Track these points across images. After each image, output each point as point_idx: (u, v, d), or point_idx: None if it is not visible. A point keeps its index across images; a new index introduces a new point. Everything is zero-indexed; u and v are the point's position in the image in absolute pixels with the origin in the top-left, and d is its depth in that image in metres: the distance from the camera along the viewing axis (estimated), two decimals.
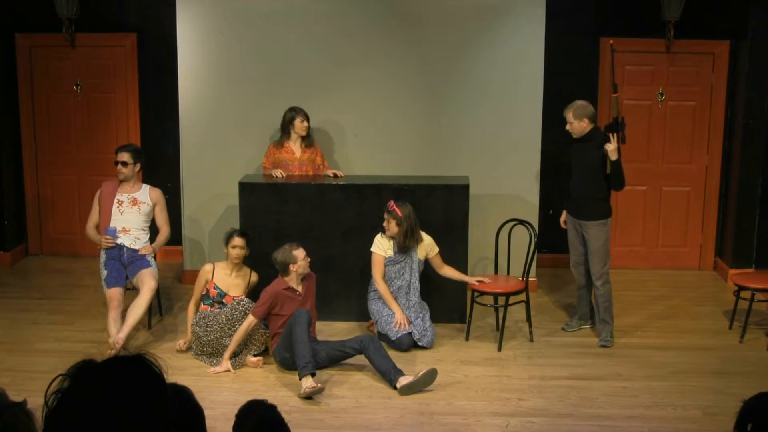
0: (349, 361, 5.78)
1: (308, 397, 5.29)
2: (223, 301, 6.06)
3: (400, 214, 6.16)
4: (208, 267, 6.19)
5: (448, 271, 6.43)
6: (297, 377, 5.41)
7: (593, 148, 6.21)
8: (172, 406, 1.52)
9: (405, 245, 6.22)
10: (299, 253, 5.88)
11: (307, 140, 7.03)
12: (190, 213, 7.61)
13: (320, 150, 7.16)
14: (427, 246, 6.35)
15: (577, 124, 6.22)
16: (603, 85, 7.94)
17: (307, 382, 5.30)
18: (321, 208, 6.70)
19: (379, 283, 6.28)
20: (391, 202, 6.23)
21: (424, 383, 5.42)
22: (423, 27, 7.32)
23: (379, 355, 5.56)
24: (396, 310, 6.20)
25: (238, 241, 6.13)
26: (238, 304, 5.97)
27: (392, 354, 5.83)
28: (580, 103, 6.30)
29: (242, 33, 7.36)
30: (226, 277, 6.13)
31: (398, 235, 6.20)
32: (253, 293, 6.20)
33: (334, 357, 5.74)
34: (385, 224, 6.24)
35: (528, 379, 5.70)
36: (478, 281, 6.37)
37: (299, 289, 5.91)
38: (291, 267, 5.85)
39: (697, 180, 8.13)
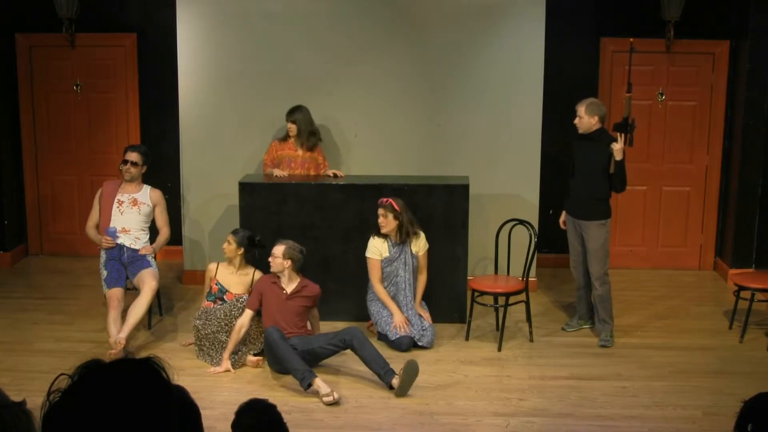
0: (349, 361, 5.77)
1: (333, 403, 5.23)
2: (224, 297, 6.08)
3: (397, 207, 6.16)
4: (212, 265, 6.25)
5: (420, 282, 6.40)
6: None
7: (597, 147, 6.21)
8: (175, 410, 1.52)
9: (403, 237, 6.21)
10: (275, 249, 5.86)
11: (308, 143, 7.03)
12: (190, 213, 7.61)
13: (321, 149, 7.17)
14: (420, 241, 6.35)
15: (587, 119, 6.22)
16: (603, 85, 7.95)
17: (320, 387, 5.25)
18: (321, 208, 6.70)
19: (376, 286, 6.28)
20: (385, 198, 6.23)
21: (410, 378, 5.35)
22: (423, 27, 7.32)
23: (366, 351, 5.49)
24: (395, 312, 6.20)
25: (228, 237, 6.18)
26: (237, 300, 6.00)
27: (392, 354, 5.84)
28: (595, 100, 6.35)
29: (242, 33, 7.36)
30: (228, 274, 6.16)
31: (395, 229, 6.19)
32: None
33: (322, 355, 5.71)
34: (381, 221, 6.21)
35: (528, 379, 5.70)
36: (401, 323, 6.19)
37: (286, 287, 5.87)
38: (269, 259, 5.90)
39: (697, 180, 8.13)
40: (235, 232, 6.22)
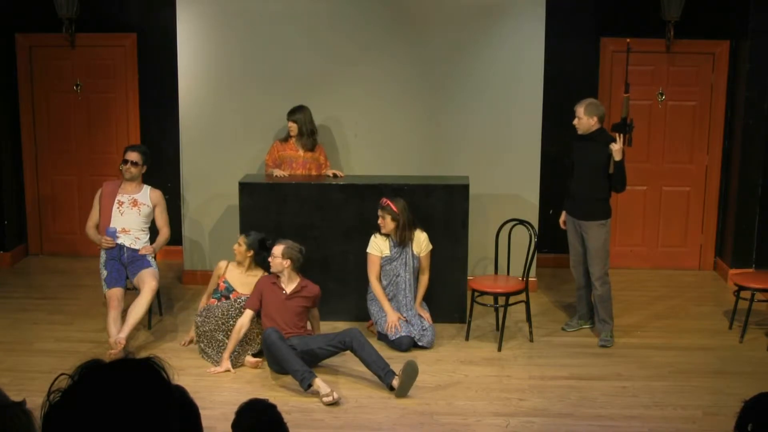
0: (349, 361, 5.77)
1: (333, 403, 5.24)
2: (230, 296, 6.09)
3: (395, 209, 6.18)
4: (222, 263, 6.28)
5: (421, 283, 6.41)
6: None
7: (597, 147, 6.21)
8: (175, 410, 1.52)
9: (403, 238, 6.23)
10: (275, 249, 5.87)
11: (308, 143, 7.04)
12: (190, 213, 7.61)
13: (323, 150, 7.17)
14: (422, 242, 6.35)
15: (586, 120, 6.23)
16: (603, 85, 7.95)
17: (320, 388, 5.25)
18: (321, 208, 6.70)
19: (373, 283, 6.28)
20: (384, 199, 6.25)
21: (410, 379, 5.34)
22: (423, 27, 7.32)
23: (366, 353, 5.49)
24: (389, 312, 6.19)
25: (239, 239, 6.19)
26: (236, 301, 5.99)
27: (392, 354, 5.82)
28: (594, 101, 6.35)
29: (242, 33, 7.36)
30: (238, 274, 6.19)
31: (395, 230, 6.22)
32: None
33: (321, 356, 5.71)
34: (380, 221, 6.24)
35: (528, 379, 5.70)
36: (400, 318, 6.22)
37: (286, 287, 5.87)
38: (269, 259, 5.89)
39: (697, 180, 8.13)
40: (247, 234, 6.23)
